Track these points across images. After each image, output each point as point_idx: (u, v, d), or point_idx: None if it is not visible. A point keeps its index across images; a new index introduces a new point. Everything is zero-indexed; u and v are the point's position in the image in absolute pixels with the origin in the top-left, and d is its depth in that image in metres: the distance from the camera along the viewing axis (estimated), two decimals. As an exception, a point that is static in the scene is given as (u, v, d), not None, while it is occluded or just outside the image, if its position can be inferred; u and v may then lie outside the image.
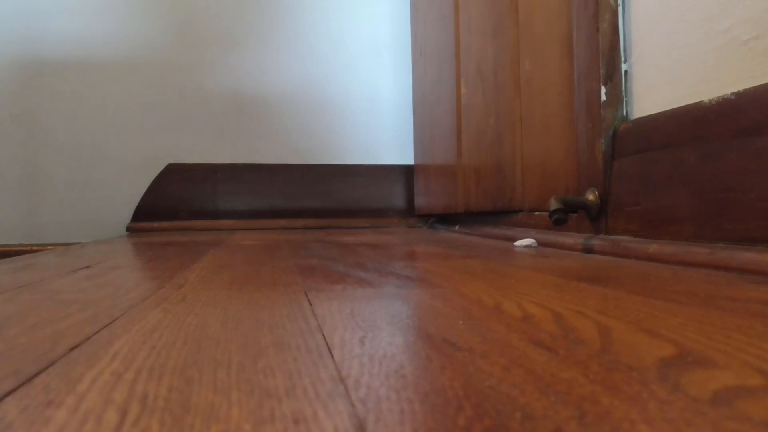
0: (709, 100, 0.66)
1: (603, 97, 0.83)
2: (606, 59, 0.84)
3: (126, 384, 0.23)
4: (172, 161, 1.93)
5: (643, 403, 0.20)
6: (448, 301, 0.42)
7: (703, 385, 0.22)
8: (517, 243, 0.97)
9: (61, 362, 0.26)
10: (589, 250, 0.81)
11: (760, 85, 0.60)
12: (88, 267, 0.70)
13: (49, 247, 1.66)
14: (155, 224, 1.87)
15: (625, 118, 0.83)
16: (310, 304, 0.41)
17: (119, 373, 0.24)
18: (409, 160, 2.05)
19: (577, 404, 0.20)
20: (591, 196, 0.85)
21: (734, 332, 0.30)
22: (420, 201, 1.90)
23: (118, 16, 1.92)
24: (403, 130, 2.05)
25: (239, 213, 1.95)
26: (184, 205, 1.92)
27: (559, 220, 0.84)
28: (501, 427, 0.18)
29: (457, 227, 1.53)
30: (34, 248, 1.70)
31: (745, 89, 0.61)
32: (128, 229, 1.87)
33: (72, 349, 0.28)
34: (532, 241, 0.96)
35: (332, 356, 0.27)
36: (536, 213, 1.09)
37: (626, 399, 0.20)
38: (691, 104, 0.69)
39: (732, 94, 0.62)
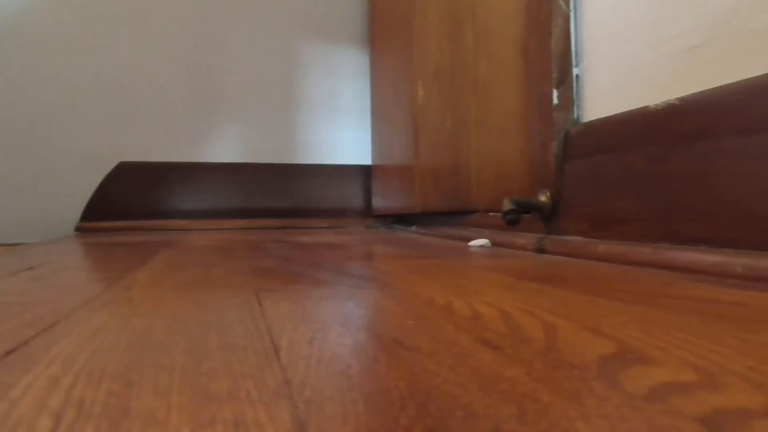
0: (656, 105, 0.67)
1: (555, 100, 0.85)
2: (558, 63, 0.85)
3: (63, 389, 0.22)
4: (123, 159, 1.88)
5: (581, 400, 0.20)
6: (400, 301, 0.42)
7: (639, 381, 0.22)
8: (472, 243, 0.98)
9: (-4, 367, 0.25)
10: (541, 250, 0.83)
11: (703, 91, 0.62)
12: (31, 268, 0.68)
13: (-7, 248, 1.60)
14: (106, 224, 1.83)
15: (577, 121, 0.85)
16: (261, 306, 0.41)
17: (56, 378, 0.23)
18: (367, 160, 2.05)
19: (518, 402, 0.20)
20: (543, 197, 0.87)
21: (674, 330, 0.31)
22: (378, 201, 1.90)
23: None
24: (361, 130, 2.05)
25: (195, 213, 1.92)
26: (137, 205, 1.88)
27: (512, 221, 0.85)
28: (442, 426, 0.18)
29: (414, 227, 1.54)
30: (-22, 249, 1.64)
31: (690, 95, 0.63)
32: (77, 229, 1.82)
33: (8, 354, 0.27)
34: (486, 241, 0.97)
35: (279, 358, 0.26)
36: (491, 214, 1.10)
37: (566, 396, 0.21)
38: (638, 109, 0.71)
39: (677, 99, 0.64)
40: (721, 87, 0.59)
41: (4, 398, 0.21)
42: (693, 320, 0.34)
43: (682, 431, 0.17)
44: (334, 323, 0.35)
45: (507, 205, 0.85)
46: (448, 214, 1.31)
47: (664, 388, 0.21)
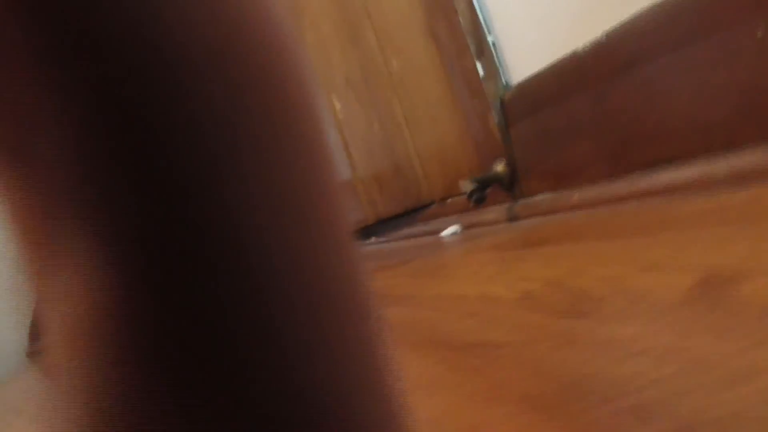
0: (583, 46, 0.69)
1: (480, 72, 0.86)
2: (472, 36, 0.86)
3: None
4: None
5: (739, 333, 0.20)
6: (437, 307, 0.41)
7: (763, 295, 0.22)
8: (443, 233, 0.98)
9: None
10: (514, 218, 0.83)
11: (625, 21, 0.64)
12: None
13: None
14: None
15: (508, 87, 0.86)
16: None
17: None
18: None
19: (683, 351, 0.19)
20: (499, 167, 0.87)
21: (724, 244, 0.31)
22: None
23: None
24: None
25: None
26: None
27: (479, 199, 0.85)
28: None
29: (372, 239, 1.52)
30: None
31: (613, 28, 0.65)
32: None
33: None
34: (457, 227, 0.97)
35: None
36: (448, 200, 1.10)
37: (720, 334, 0.20)
38: (566, 56, 0.73)
39: (603, 35, 0.66)
40: (642, 11, 0.61)
41: None
42: (728, 230, 0.34)
43: None
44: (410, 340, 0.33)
45: (468, 186, 0.85)
46: (405, 215, 1.31)
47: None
